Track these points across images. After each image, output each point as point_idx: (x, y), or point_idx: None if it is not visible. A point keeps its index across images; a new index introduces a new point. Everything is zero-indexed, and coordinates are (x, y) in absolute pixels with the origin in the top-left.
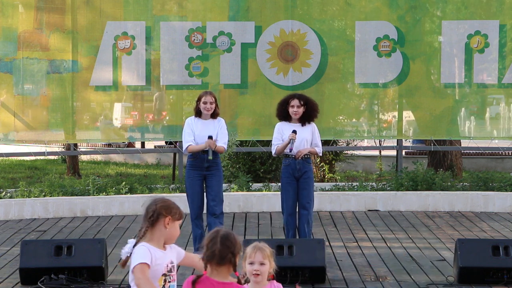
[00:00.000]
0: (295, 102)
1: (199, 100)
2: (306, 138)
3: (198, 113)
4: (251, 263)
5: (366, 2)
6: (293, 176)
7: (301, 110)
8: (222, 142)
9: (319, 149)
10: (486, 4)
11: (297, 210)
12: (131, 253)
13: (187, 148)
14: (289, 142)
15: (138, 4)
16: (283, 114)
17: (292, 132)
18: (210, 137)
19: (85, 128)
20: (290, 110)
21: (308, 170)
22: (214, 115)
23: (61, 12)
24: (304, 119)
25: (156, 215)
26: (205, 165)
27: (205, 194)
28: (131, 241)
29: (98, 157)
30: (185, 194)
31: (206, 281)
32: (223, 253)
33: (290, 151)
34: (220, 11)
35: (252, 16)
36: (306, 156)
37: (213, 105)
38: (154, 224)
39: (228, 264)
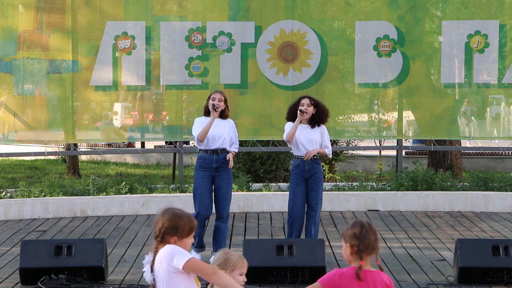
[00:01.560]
0: (305, 100)
1: (208, 98)
2: (316, 140)
3: (207, 112)
4: (241, 274)
5: (366, 2)
6: (302, 177)
7: (311, 109)
8: (234, 147)
9: (328, 150)
10: (486, 4)
11: (305, 211)
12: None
13: (197, 136)
14: (299, 121)
15: (138, 4)
16: (294, 115)
17: (300, 112)
18: (214, 108)
19: (85, 128)
20: (300, 107)
21: (317, 171)
22: (223, 115)
23: (61, 12)
24: (314, 121)
25: (161, 235)
26: (214, 165)
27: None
28: (147, 260)
29: (98, 157)
30: (184, 194)
31: (366, 272)
32: (375, 243)
33: (303, 159)
34: (220, 11)
35: (252, 16)
36: (315, 157)
37: (222, 103)
38: (163, 242)
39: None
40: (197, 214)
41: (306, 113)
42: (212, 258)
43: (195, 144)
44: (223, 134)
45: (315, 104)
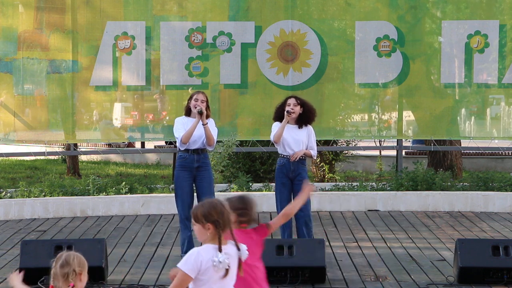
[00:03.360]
0: (291, 100)
1: (190, 98)
2: (302, 140)
3: (188, 112)
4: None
5: (366, 2)
6: (287, 177)
7: (298, 109)
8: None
9: (314, 152)
10: (486, 4)
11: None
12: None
13: (181, 138)
14: (286, 122)
15: (138, 4)
16: (281, 115)
17: (286, 113)
18: (200, 113)
19: (85, 128)
20: (287, 108)
21: (302, 171)
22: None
23: (61, 12)
24: (301, 121)
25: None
26: (194, 165)
27: (195, 195)
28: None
29: (98, 157)
30: None
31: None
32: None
33: (288, 159)
34: (220, 11)
35: (252, 16)
36: (301, 157)
37: (204, 104)
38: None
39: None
40: (180, 214)
41: (293, 113)
42: None
43: (177, 144)
44: (204, 134)
45: (302, 103)
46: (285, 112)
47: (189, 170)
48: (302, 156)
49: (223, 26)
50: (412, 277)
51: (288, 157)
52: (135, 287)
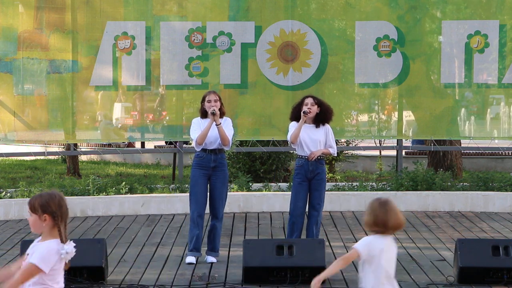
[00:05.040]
0: (309, 100)
1: (203, 100)
2: (320, 140)
3: (204, 114)
4: None
5: (366, 2)
6: (306, 177)
7: (315, 108)
8: (227, 134)
9: (333, 150)
10: (486, 4)
11: (306, 210)
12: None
13: (196, 139)
14: (304, 121)
15: (138, 4)
16: (298, 115)
17: (303, 113)
18: (212, 113)
19: (85, 128)
20: (304, 107)
21: (321, 171)
22: (220, 115)
23: (61, 12)
24: (318, 121)
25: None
26: (211, 164)
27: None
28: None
29: (98, 157)
30: (184, 194)
31: None
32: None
33: (307, 159)
34: (220, 11)
35: (252, 16)
36: (319, 157)
37: (218, 103)
38: None
39: None
40: (192, 212)
41: (310, 112)
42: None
43: (193, 145)
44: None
45: (319, 103)
46: (302, 113)
47: (206, 170)
48: (321, 156)
49: (223, 26)
50: (412, 277)
51: (306, 157)
52: (135, 287)
